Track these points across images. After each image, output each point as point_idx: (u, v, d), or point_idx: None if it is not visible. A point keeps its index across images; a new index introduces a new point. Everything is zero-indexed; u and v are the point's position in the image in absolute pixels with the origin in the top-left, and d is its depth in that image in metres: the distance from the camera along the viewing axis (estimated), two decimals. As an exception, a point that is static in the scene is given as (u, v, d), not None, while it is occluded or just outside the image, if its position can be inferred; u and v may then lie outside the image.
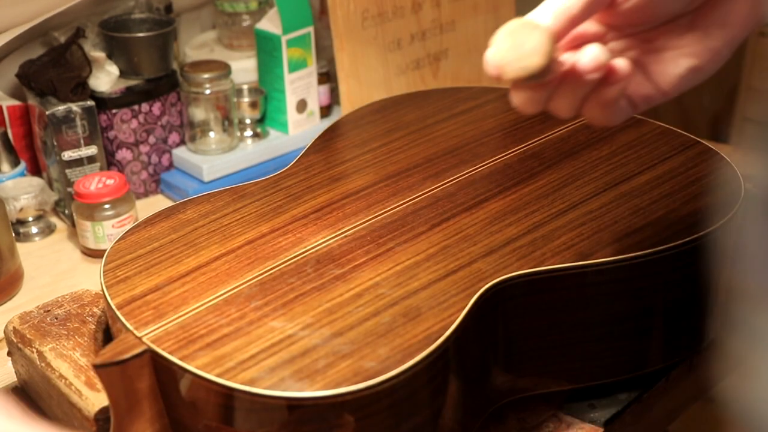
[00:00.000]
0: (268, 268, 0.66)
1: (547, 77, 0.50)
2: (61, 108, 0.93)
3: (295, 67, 1.04)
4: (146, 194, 1.04)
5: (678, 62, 0.54)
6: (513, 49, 0.46)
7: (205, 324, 0.60)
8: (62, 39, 0.99)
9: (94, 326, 0.67)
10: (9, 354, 0.69)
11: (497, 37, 0.47)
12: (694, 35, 0.54)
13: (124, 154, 1.00)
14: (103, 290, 0.64)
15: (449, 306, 0.60)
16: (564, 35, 0.52)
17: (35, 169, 1.04)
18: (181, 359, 0.56)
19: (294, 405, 0.54)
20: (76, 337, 0.66)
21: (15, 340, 0.67)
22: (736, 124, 1.61)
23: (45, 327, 0.67)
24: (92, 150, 0.95)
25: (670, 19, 0.54)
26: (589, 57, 0.51)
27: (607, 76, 0.51)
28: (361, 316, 0.60)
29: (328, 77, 1.10)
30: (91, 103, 0.94)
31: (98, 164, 0.96)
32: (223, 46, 1.14)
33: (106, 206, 0.89)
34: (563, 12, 0.51)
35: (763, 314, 0.34)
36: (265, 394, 0.54)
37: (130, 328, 0.59)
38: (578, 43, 0.53)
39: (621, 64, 0.52)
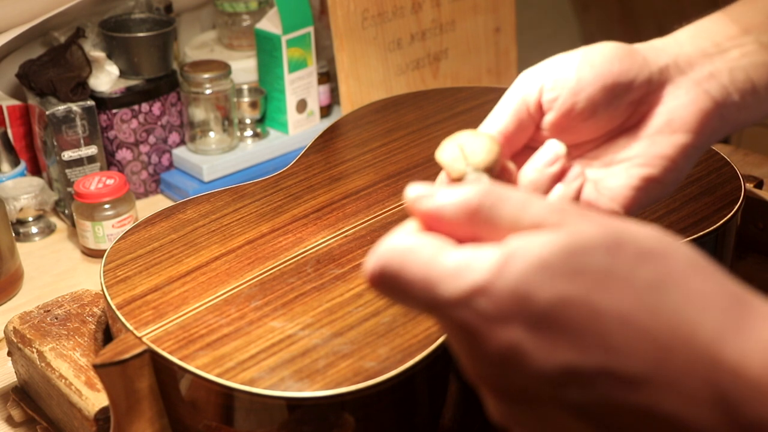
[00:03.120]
0: (268, 268, 0.66)
1: (493, 177, 0.48)
2: (61, 108, 0.93)
3: (295, 67, 1.04)
4: (146, 194, 1.04)
5: (629, 173, 0.52)
6: (459, 149, 0.48)
7: (205, 324, 0.60)
8: (62, 39, 0.99)
9: (94, 326, 0.67)
10: (9, 354, 0.69)
11: (445, 142, 0.48)
12: (640, 145, 0.52)
13: (124, 154, 1.00)
14: (103, 290, 0.64)
15: (449, 306, 0.60)
16: (504, 152, 0.52)
17: (35, 169, 1.04)
18: (181, 359, 0.56)
19: (294, 405, 0.54)
20: (76, 337, 0.66)
21: (15, 340, 0.67)
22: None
23: (45, 327, 0.67)
24: (92, 150, 0.95)
25: (610, 132, 0.53)
26: (548, 148, 0.50)
27: (563, 172, 0.50)
28: (361, 316, 0.60)
29: (328, 77, 1.10)
30: (91, 103, 0.94)
31: (98, 164, 0.96)
32: (223, 46, 1.14)
33: (106, 206, 0.89)
34: (497, 131, 0.52)
35: None
36: (265, 394, 0.54)
37: (130, 328, 0.59)
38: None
39: (573, 164, 0.51)
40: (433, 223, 0.38)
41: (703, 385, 0.33)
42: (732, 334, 0.33)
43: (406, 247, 0.37)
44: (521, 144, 0.53)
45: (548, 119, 0.52)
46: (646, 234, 0.35)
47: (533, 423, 0.37)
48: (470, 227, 0.37)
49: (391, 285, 0.37)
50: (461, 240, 0.37)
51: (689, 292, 0.34)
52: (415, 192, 0.38)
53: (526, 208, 0.36)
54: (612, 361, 0.33)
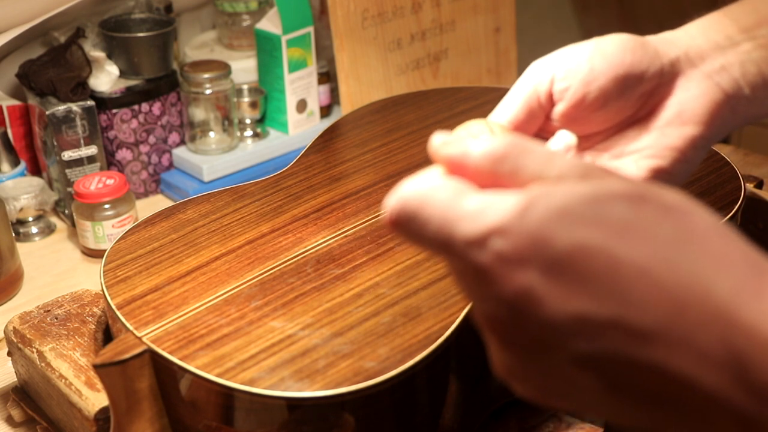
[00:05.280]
0: (268, 268, 0.66)
1: None
2: (61, 108, 0.93)
3: (295, 67, 1.04)
4: (146, 194, 1.04)
5: (639, 164, 0.52)
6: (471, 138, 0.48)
7: (205, 324, 0.60)
8: (62, 39, 0.99)
9: (94, 326, 0.67)
10: (9, 354, 0.69)
11: (456, 132, 0.48)
12: (650, 136, 0.52)
13: (124, 154, 1.00)
14: (103, 290, 0.64)
15: (449, 306, 0.60)
16: None
17: (35, 169, 1.04)
18: (181, 359, 0.56)
19: (294, 405, 0.54)
20: (76, 337, 0.66)
21: (15, 340, 0.67)
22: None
23: (45, 327, 0.67)
24: (92, 150, 0.95)
25: (620, 124, 0.53)
26: (560, 138, 0.51)
27: None
28: (361, 316, 0.60)
29: (328, 77, 1.10)
30: (91, 103, 0.94)
31: (98, 164, 0.96)
32: (223, 46, 1.14)
33: (106, 206, 0.89)
34: (507, 120, 0.52)
35: None
36: (265, 394, 0.54)
37: (130, 328, 0.59)
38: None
39: (584, 155, 0.52)
40: (456, 170, 0.38)
41: (716, 343, 0.32)
42: (750, 296, 0.32)
43: (426, 188, 0.37)
44: (531, 134, 0.54)
45: (559, 109, 0.52)
46: (669, 193, 0.35)
47: (538, 376, 0.37)
48: (494, 176, 0.37)
49: (408, 224, 0.37)
50: (483, 188, 0.37)
51: (709, 250, 0.33)
52: (441, 139, 0.39)
53: (551, 161, 0.36)
54: (626, 312, 0.33)
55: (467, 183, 0.37)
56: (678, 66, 0.52)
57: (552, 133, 0.52)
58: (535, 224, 0.34)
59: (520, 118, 0.52)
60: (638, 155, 0.52)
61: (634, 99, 0.52)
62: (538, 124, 0.53)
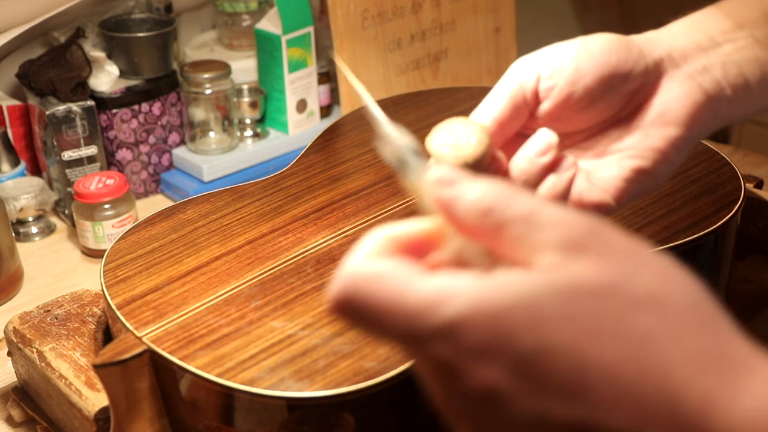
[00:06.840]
0: (268, 268, 0.66)
1: (482, 167, 0.48)
2: (61, 108, 0.93)
3: (295, 67, 1.04)
4: (146, 194, 1.04)
5: (620, 164, 0.52)
6: (450, 138, 0.47)
7: (205, 324, 0.60)
8: (62, 39, 0.99)
9: (94, 326, 0.67)
10: (9, 354, 0.69)
11: (435, 131, 0.48)
12: (633, 137, 0.52)
13: (124, 154, 1.00)
14: (103, 290, 0.64)
15: (449, 306, 0.60)
16: (497, 139, 0.52)
17: (35, 169, 1.04)
18: (181, 359, 0.56)
19: (294, 405, 0.54)
20: (76, 337, 0.66)
21: (15, 340, 0.67)
22: (736, 124, 1.61)
23: (45, 327, 0.67)
24: (92, 150, 0.95)
25: (603, 123, 0.53)
26: (540, 137, 0.50)
27: (555, 162, 0.50)
28: (361, 316, 0.60)
29: (328, 77, 1.10)
30: (91, 103, 0.94)
31: (98, 164, 0.96)
32: (223, 46, 1.14)
33: (106, 206, 0.89)
34: (492, 117, 0.52)
35: None
36: (265, 394, 0.54)
37: (130, 328, 0.59)
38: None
39: (566, 155, 0.51)
40: (444, 211, 0.35)
41: None
42: (720, 401, 0.31)
43: (375, 270, 0.34)
44: (514, 131, 0.53)
45: (544, 108, 0.52)
46: (649, 276, 0.33)
47: None
48: (479, 228, 0.35)
49: (356, 312, 0.34)
50: (465, 235, 0.36)
51: (682, 350, 0.32)
52: (439, 174, 0.36)
53: (537, 228, 0.34)
54: (592, 416, 0.32)
55: (418, 265, 0.34)
56: (662, 66, 0.52)
57: (534, 131, 0.52)
58: (500, 319, 0.32)
59: (505, 115, 0.52)
60: (621, 155, 0.52)
61: (618, 98, 0.52)
62: (522, 121, 0.53)
